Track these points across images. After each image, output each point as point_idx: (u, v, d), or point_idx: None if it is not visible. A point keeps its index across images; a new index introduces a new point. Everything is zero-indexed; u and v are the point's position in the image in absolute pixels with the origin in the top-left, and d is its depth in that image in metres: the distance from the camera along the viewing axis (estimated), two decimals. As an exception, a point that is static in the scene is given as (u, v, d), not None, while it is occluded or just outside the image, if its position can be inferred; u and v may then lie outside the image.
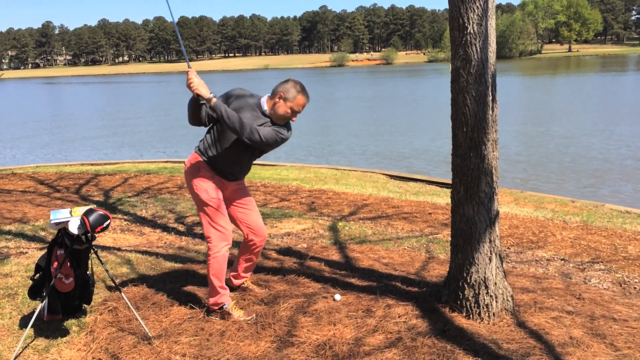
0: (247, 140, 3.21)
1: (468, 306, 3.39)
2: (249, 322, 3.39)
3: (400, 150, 15.74)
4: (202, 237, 5.44)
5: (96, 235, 3.11)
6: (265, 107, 3.34)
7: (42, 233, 5.51)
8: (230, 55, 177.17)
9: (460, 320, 3.34)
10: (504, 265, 3.53)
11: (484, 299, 3.36)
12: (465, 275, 3.40)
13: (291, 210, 6.67)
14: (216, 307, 3.46)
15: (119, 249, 4.98)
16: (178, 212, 6.53)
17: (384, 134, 19.08)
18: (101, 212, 3.03)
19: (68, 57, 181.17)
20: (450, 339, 3.12)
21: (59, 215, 3.04)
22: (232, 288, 3.83)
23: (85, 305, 3.49)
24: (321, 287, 3.92)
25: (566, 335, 3.18)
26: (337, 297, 3.71)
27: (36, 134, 22.94)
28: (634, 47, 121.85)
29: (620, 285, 4.15)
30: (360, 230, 5.73)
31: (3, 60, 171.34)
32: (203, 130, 3.49)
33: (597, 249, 5.05)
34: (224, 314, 3.45)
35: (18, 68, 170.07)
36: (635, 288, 4.09)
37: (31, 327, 3.16)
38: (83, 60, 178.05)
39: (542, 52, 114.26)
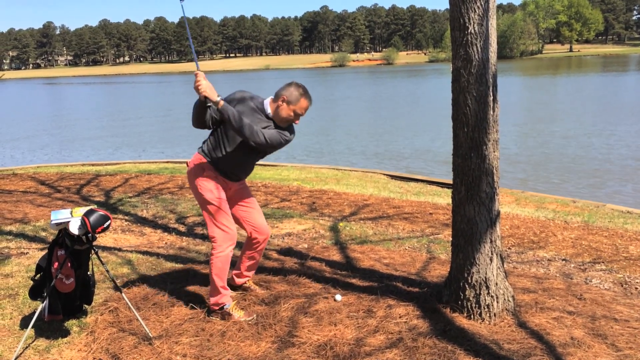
0: (252, 142, 3.23)
1: (469, 306, 3.39)
2: (250, 322, 3.39)
3: (401, 150, 15.74)
4: (203, 237, 5.44)
5: (97, 235, 3.11)
6: (269, 109, 3.37)
7: (43, 233, 5.51)
8: (231, 55, 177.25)
9: (461, 320, 3.34)
10: (505, 266, 3.53)
11: (485, 299, 3.36)
12: (466, 275, 3.40)
13: (292, 210, 6.67)
14: (217, 307, 3.46)
15: (119, 250, 4.98)
16: (179, 212, 6.53)
17: (384, 134, 19.08)
18: (102, 212, 3.03)
19: (69, 58, 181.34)
20: (451, 340, 3.12)
21: (60, 215, 3.04)
22: (234, 288, 3.83)
23: (86, 305, 3.49)
24: (322, 287, 3.92)
25: (567, 335, 3.18)
26: (338, 297, 3.71)
27: (37, 134, 22.96)
28: (635, 47, 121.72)
29: (622, 286, 4.14)
30: (361, 230, 5.73)
31: (4, 61, 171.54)
32: (204, 131, 3.49)
33: (598, 249, 5.04)
34: (224, 315, 3.45)
35: (19, 68, 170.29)
36: (636, 288, 4.08)
37: (32, 327, 3.16)
38: (84, 60, 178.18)
39: (543, 52, 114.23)
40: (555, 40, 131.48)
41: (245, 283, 3.87)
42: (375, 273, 4.27)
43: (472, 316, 3.37)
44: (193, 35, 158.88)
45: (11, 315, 3.55)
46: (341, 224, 5.94)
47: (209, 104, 3.23)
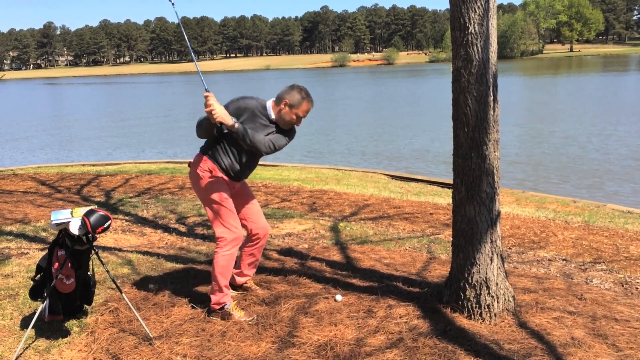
0: (265, 153, 3.35)
1: (469, 306, 3.39)
2: (250, 322, 3.39)
3: (401, 150, 15.74)
4: (204, 237, 5.44)
5: (97, 235, 3.11)
6: (272, 114, 3.40)
7: (43, 234, 5.51)
8: (232, 55, 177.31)
9: (461, 320, 3.34)
10: (505, 266, 3.53)
11: (486, 300, 3.36)
12: (466, 275, 3.40)
13: (292, 210, 6.66)
14: (218, 307, 3.46)
15: (120, 250, 4.98)
16: (179, 212, 6.53)
17: (384, 134, 19.08)
18: (102, 212, 3.04)
19: (69, 58, 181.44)
20: (451, 340, 3.11)
21: (60, 216, 3.04)
22: (235, 287, 3.83)
23: (86, 305, 3.49)
24: (322, 287, 3.92)
25: (568, 335, 3.17)
26: (338, 297, 3.71)
27: (37, 135, 22.97)
28: (636, 46, 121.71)
29: (622, 286, 4.14)
30: (361, 230, 5.73)
31: (5, 61, 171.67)
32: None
33: (598, 249, 5.04)
34: (224, 315, 3.45)
35: (20, 69, 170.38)
36: (637, 288, 4.08)
37: (32, 327, 3.16)
38: (84, 60, 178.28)
39: (544, 52, 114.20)
40: (555, 40, 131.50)
41: (245, 283, 3.87)
42: (376, 273, 4.27)
43: (472, 316, 3.37)
44: (194, 35, 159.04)
45: (11, 315, 3.55)
46: (341, 224, 5.94)
47: (224, 128, 3.23)
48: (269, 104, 3.41)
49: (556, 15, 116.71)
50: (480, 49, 3.18)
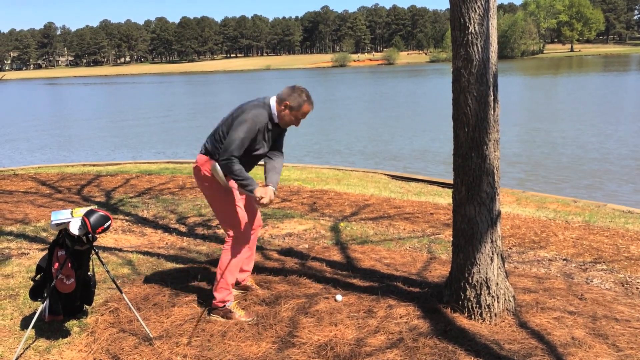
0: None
1: (470, 306, 3.39)
2: (250, 322, 3.40)
3: (401, 150, 15.74)
4: (204, 238, 5.44)
5: (97, 236, 3.11)
6: (276, 115, 3.44)
7: (44, 234, 5.51)
8: (232, 55, 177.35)
9: (461, 320, 3.34)
10: (505, 266, 3.53)
11: (486, 300, 3.36)
12: (466, 275, 3.40)
13: (293, 210, 6.66)
14: (221, 305, 3.47)
15: (120, 250, 4.98)
16: (179, 212, 6.53)
17: (384, 134, 19.07)
18: (102, 212, 3.04)
19: (70, 58, 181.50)
20: (451, 340, 3.11)
21: (60, 216, 3.04)
22: (236, 285, 3.83)
23: (86, 306, 3.49)
24: (322, 287, 3.92)
25: (568, 335, 3.17)
26: (339, 297, 3.71)
27: (37, 135, 22.98)
28: (636, 46, 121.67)
29: (623, 286, 4.13)
30: (361, 230, 5.73)
31: (5, 61, 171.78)
32: (205, 133, 3.55)
33: (599, 249, 5.04)
34: (226, 313, 3.45)
35: (20, 69, 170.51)
36: (637, 288, 4.08)
37: (32, 328, 3.16)
38: (85, 61, 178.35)
39: (544, 52, 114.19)
40: (556, 40, 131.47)
41: (245, 280, 3.87)
42: (376, 273, 4.27)
43: (472, 316, 3.37)
44: (194, 35, 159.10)
45: (12, 315, 3.55)
46: (342, 224, 5.94)
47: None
48: (273, 104, 3.44)
49: (557, 15, 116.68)
50: (480, 49, 3.18)
